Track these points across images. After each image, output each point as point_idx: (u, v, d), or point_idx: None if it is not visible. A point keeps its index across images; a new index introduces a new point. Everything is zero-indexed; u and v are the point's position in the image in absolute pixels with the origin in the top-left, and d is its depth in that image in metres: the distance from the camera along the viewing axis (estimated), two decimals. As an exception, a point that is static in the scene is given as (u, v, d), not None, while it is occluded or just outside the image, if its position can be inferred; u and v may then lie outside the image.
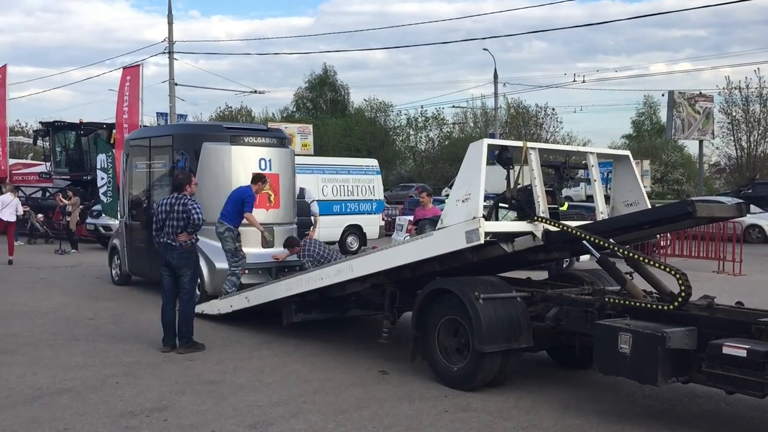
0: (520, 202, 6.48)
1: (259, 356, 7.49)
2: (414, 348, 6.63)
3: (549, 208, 6.43)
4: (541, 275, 8.30)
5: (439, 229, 6.44)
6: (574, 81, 46.00)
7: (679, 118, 49.31)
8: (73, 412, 5.60)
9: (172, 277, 7.74)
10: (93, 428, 5.25)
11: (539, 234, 6.21)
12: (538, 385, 6.47)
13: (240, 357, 7.44)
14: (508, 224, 6.67)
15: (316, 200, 16.31)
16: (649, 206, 6.90)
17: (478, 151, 6.21)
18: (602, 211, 7.02)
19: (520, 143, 6.66)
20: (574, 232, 6.02)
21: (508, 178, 6.66)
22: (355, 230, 19.15)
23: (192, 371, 6.84)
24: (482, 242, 5.94)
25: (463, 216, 6.08)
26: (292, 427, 5.30)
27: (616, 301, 5.75)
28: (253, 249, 10.22)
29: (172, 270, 7.72)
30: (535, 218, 6.27)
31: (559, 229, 6.14)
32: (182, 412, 5.62)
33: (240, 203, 9.35)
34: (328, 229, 17.30)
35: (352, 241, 19.15)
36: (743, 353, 4.66)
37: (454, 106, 72.89)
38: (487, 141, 6.34)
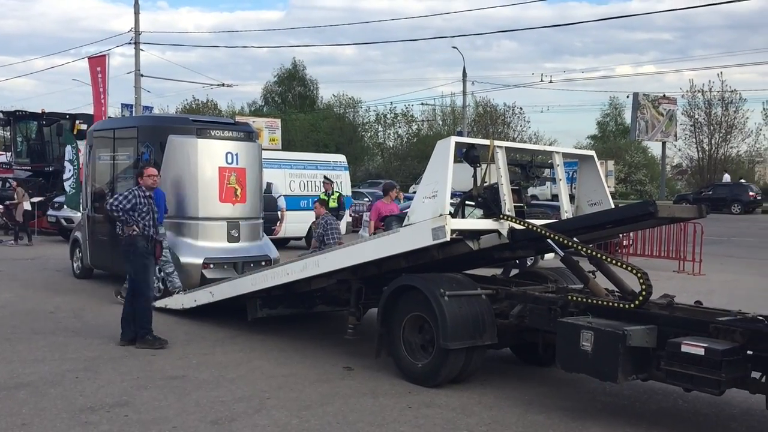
0: (487, 200, 6.54)
1: (223, 351, 7.43)
2: (379, 344, 6.64)
3: (515, 207, 6.49)
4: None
5: (405, 225, 6.46)
6: (542, 81, 46.50)
7: (643, 119, 50.14)
8: (31, 407, 5.50)
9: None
10: (51, 424, 5.16)
11: (505, 232, 6.27)
12: (501, 381, 6.53)
13: (203, 352, 7.37)
14: (474, 222, 6.73)
15: (284, 195, 16.26)
16: (613, 206, 7.01)
17: (446, 149, 6.25)
18: (567, 210, 7.11)
19: (487, 141, 6.72)
20: (538, 230, 6.08)
21: (474, 176, 6.71)
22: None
23: (154, 366, 6.76)
24: (448, 239, 5.99)
25: (430, 213, 6.11)
26: (256, 423, 5.28)
27: (579, 299, 5.83)
28: (218, 243, 10.15)
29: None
30: (501, 216, 6.33)
31: (524, 227, 6.21)
32: (143, 408, 5.56)
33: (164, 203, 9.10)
34: (294, 224, 17.22)
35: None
36: (701, 351, 4.76)
37: (422, 104, 73.11)
38: (454, 139, 6.38)
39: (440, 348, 6.02)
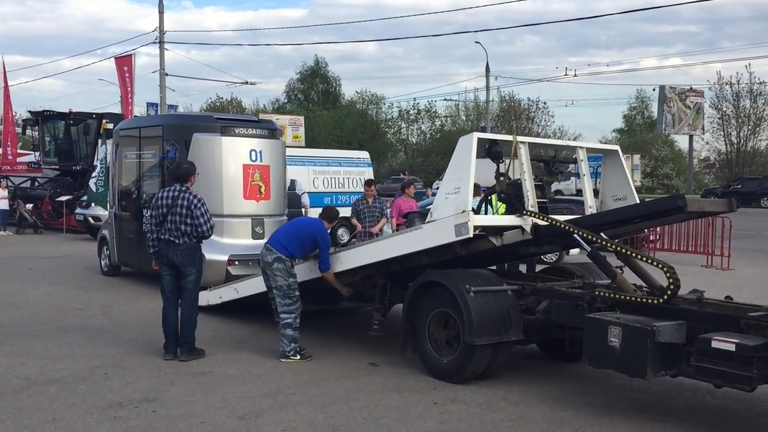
0: (510, 196, 6.49)
1: (249, 348, 7.47)
2: (404, 340, 6.63)
3: (538, 203, 6.44)
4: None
5: (428, 222, 6.43)
6: (566, 75, 46.21)
7: (670, 113, 49.54)
8: (61, 403, 5.57)
9: (173, 277, 7.02)
10: (81, 419, 5.23)
11: (528, 228, 6.22)
12: (527, 377, 6.49)
13: (230, 348, 7.42)
14: (496, 218, 6.71)
15: (307, 192, 16.31)
16: (638, 201, 6.92)
17: (468, 145, 6.21)
18: (591, 206, 7.03)
19: (510, 137, 6.65)
20: (563, 226, 6.02)
21: (497, 172, 6.66)
22: (346, 222, 19.12)
23: (181, 362, 6.82)
24: (471, 236, 5.95)
25: (452, 209, 6.08)
26: (282, 419, 5.30)
27: (607, 294, 5.76)
28: (243, 240, 10.20)
29: (176, 269, 6.99)
30: (524, 212, 6.29)
31: (547, 223, 6.16)
32: (171, 403, 5.61)
33: (310, 242, 7.17)
34: (319, 221, 17.25)
35: (343, 233, 19.10)
36: (732, 347, 4.68)
37: (446, 99, 73.02)
38: (477, 135, 6.31)
39: (466, 344, 6.00)
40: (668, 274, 5.39)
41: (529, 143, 6.69)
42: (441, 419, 5.35)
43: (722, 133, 51.57)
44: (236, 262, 9.77)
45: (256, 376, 6.42)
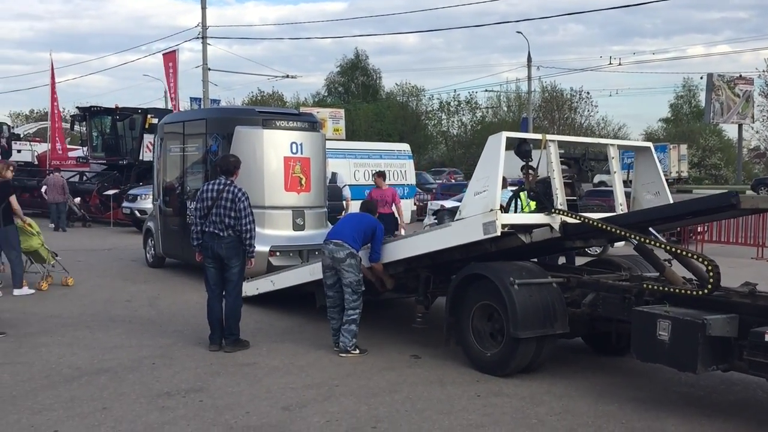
0: (539, 194, 6.54)
1: (292, 339, 7.54)
2: (448, 333, 6.61)
3: (567, 200, 6.46)
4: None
5: (457, 220, 6.49)
6: (610, 64, 45.30)
7: (718, 101, 48.33)
8: (111, 392, 5.70)
9: (217, 269, 7.06)
10: (131, 408, 5.34)
11: (556, 226, 6.25)
12: (571, 371, 6.41)
13: (273, 340, 7.49)
14: (525, 216, 6.81)
15: (348, 185, 16.36)
16: (671, 198, 6.91)
17: (497, 144, 6.28)
18: (621, 203, 7.01)
19: (539, 136, 6.69)
20: (594, 224, 6.02)
21: (527, 170, 6.74)
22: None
23: (226, 354, 6.91)
24: (498, 234, 6.01)
25: (481, 208, 6.16)
26: (326, 410, 5.33)
27: (655, 287, 5.65)
28: (284, 231, 10.30)
29: (220, 261, 7.02)
30: (553, 210, 6.31)
31: (578, 221, 6.16)
32: (217, 393, 5.69)
33: (370, 234, 7.16)
34: (360, 213, 17.29)
35: (384, 226, 19.14)
36: (786, 341, 4.55)
37: (487, 90, 72.35)
38: (505, 134, 6.37)
39: (510, 337, 5.95)
40: (708, 265, 5.31)
41: (558, 141, 6.72)
42: (484, 412, 5.32)
43: (773, 121, 50.11)
44: (277, 253, 9.87)
45: (300, 367, 6.47)
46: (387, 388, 5.86)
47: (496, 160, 6.18)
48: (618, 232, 5.92)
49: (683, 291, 5.49)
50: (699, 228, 15.80)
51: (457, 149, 56.40)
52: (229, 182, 7.11)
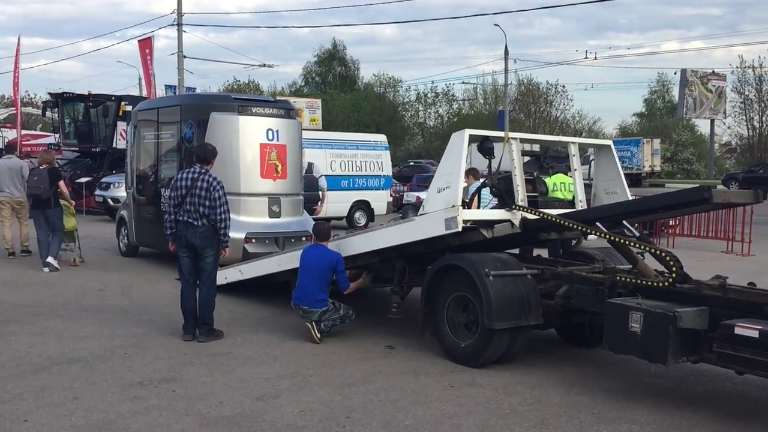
0: (500, 191, 6.67)
1: (267, 329, 7.51)
2: (423, 323, 6.63)
3: (528, 197, 6.61)
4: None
5: (420, 215, 6.62)
6: (586, 58, 45.78)
7: (691, 96, 48.95)
8: (82, 382, 5.63)
9: (191, 259, 7.01)
10: (102, 397, 5.28)
11: (517, 222, 6.41)
12: (545, 362, 6.47)
13: (248, 330, 7.46)
14: (486, 212, 6.99)
15: (324, 175, 16.32)
16: (629, 196, 7.11)
17: (460, 141, 6.41)
18: (581, 200, 7.17)
19: (501, 133, 6.84)
20: (553, 219, 6.16)
21: (489, 167, 6.87)
22: (363, 206, 19.11)
23: (200, 343, 6.86)
24: (460, 230, 6.15)
25: (443, 204, 6.28)
26: (300, 400, 5.32)
27: (628, 280, 5.72)
28: (260, 218, 10.25)
29: (194, 251, 6.97)
30: (514, 206, 6.44)
31: (537, 217, 6.31)
32: (190, 383, 5.65)
33: (331, 273, 7.15)
34: (335, 204, 17.27)
35: (360, 217, 19.13)
36: (755, 334, 4.62)
37: (464, 83, 72.50)
38: (468, 132, 6.50)
39: (485, 328, 5.98)
40: (671, 261, 5.44)
41: (520, 139, 6.88)
42: (458, 402, 5.35)
43: (744, 117, 50.87)
44: (253, 240, 9.84)
45: (274, 357, 6.45)
46: (361, 379, 5.87)
47: (459, 157, 6.32)
48: (576, 227, 6.11)
49: (655, 283, 5.57)
50: (671, 222, 16.01)
51: (434, 141, 56.44)
52: (204, 171, 7.04)
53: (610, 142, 7.68)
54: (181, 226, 6.98)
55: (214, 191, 6.91)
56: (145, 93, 26.33)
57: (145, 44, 27.00)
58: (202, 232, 6.93)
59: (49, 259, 10.80)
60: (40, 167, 11.13)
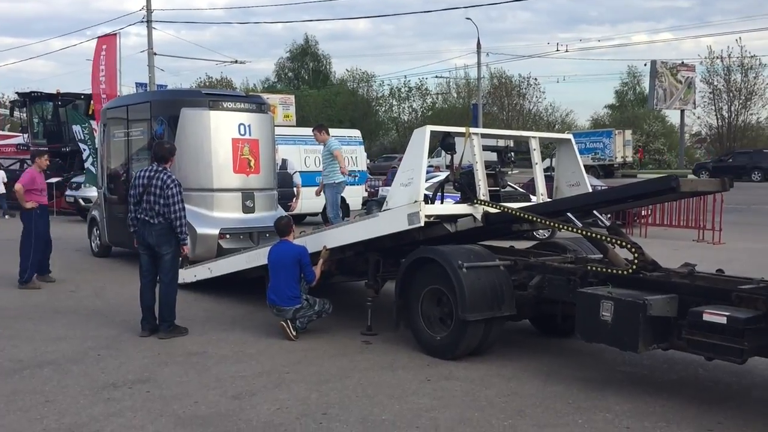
0: (462, 186, 6.76)
1: (242, 327, 7.47)
2: (397, 317, 6.64)
3: (490, 191, 6.72)
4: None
5: (384, 210, 6.68)
6: (558, 51, 46.05)
7: (662, 87, 49.50)
8: (54, 385, 5.56)
9: (150, 257, 7.07)
10: (75, 400, 5.22)
11: (479, 216, 6.52)
12: (520, 353, 6.52)
13: (223, 328, 7.41)
14: (448, 207, 7.09)
15: (299, 171, 16.25)
16: (590, 188, 7.30)
17: (421, 138, 6.52)
18: (542, 193, 7.31)
19: (462, 129, 6.89)
20: (514, 213, 6.31)
21: (450, 162, 6.99)
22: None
23: (174, 343, 6.81)
24: (422, 225, 6.24)
25: (406, 199, 6.37)
26: (276, 397, 5.30)
27: (598, 269, 5.78)
28: (233, 214, 10.20)
29: (151, 249, 7.05)
30: (476, 201, 6.54)
31: (499, 210, 6.43)
32: (165, 384, 5.60)
33: (299, 267, 7.06)
34: (310, 200, 17.15)
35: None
36: (723, 320, 4.69)
37: (437, 77, 72.65)
38: (429, 128, 6.60)
39: (459, 320, 6.00)
40: (633, 251, 5.57)
41: (481, 134, 6.99)
42: (435, 396, 5.37)
43: (713, 107, 51.53)
44: (227, 236, 9.81)
45: (250, 355, 6.42)
46: (338, 374, 5.86)
47: (421, 153, 6.41)
48: (537, 219, 6.28)
49: (625, 272, 5.64)
50: (643, 212, 16.21)
51: (408, 135, 56.40)
52: (160, 169, 7.08)
53: (570, 136, 7.85)
54: (140, 224, 7.06)
55: (167, 189, 6.95)
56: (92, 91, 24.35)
57: (104, 41, 24.98)
58: (158, 230, 6.98)
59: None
60: None
